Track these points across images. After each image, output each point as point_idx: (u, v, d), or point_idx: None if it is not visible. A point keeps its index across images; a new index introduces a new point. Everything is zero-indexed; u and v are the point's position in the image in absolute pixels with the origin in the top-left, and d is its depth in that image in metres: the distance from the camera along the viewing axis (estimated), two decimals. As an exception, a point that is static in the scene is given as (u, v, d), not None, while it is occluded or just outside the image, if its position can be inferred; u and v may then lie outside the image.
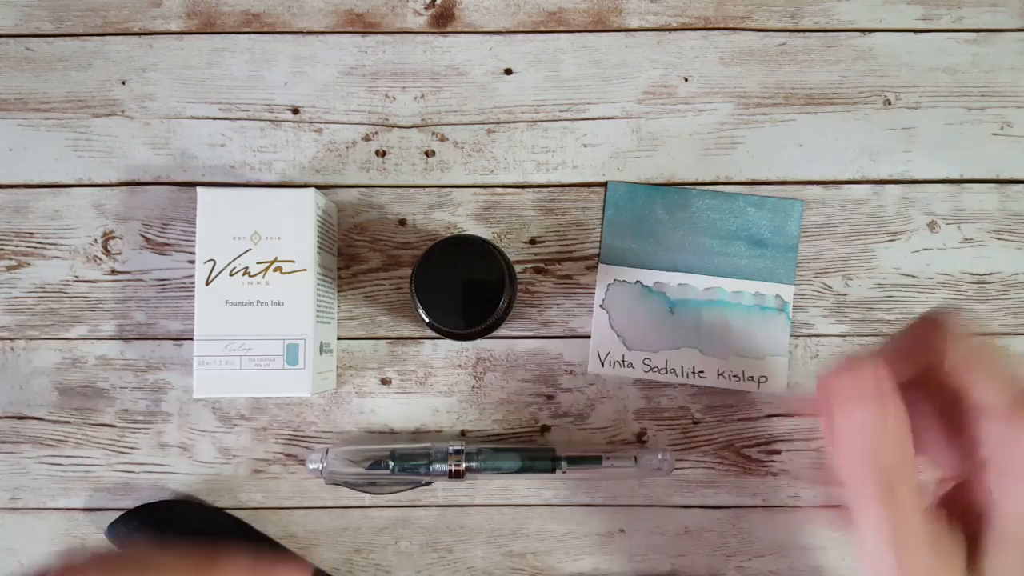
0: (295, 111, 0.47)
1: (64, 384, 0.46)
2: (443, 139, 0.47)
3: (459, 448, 0.44)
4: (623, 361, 0.46)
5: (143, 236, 0.47)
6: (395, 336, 0.47)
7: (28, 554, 0.45)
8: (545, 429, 0.46)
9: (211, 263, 0.40)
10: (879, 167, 0.47)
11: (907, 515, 0.25)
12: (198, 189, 0.41)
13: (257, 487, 0.46)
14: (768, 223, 0.47)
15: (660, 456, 0.44)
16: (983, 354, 0.27)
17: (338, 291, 0.47)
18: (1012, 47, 0.47)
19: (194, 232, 0.41)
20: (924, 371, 0.28)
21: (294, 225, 0.41)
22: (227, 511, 0.46)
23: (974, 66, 0.47)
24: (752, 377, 0.46)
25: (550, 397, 0.46)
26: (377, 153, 0.47)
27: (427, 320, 0.40)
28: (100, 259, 0.46)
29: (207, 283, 0.40)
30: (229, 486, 0.46)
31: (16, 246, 0.46)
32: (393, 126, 0.47)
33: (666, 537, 0.46)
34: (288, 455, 0.46)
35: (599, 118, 0.47)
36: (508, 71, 0.47)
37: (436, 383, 0.46)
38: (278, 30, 0.47)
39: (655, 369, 0.46)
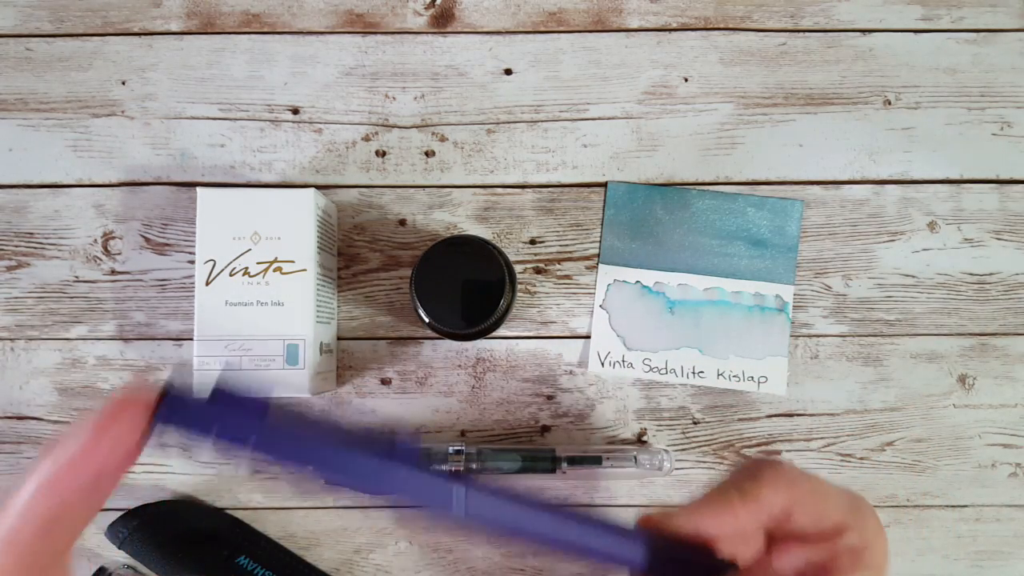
0: (295, 111, 0.47)
1: (64, 384, 0.46)
2: (443, 139, 0.47)
3: (459, 448, 0.44)
4: (623, 361, 0.46)
5: (143, 236, 0.47)
6: (395, 336, 0.47)
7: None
8: (545, 429, 0.46)
9: (211, 263, 0.40)
10: (879, 167, 0.47)
11: None
12: (198, 189, 0.41)
13: (257, 487, 0.46)
14: (768, 223, 0.47)
15: (660, 456, 0.44)
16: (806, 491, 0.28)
17: (338, 291, 0.47)
18: (1012, 47, 0.47)
19: (194, 232, 0.41)
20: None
21: (294, 225, 0.41)
22: (227, 511, 0.46)
23: (974, 66, 0.47)
24: (752, 377, 0.46)
25: (550, 397, 0.46)
26: (377, 153, 0.47)
27: (427, 320, 0.40)
28: (100, 259, 0.46)
29: (207, 283, 0.40)
30: (229, 486, 0.46)
31: (16, 246, 0.46)
32: (393, 126, 0.47)
33: (666, 537, 0.46)
34: (288, 455, 0.46)
35: (599, 118, 0.47)
36: (508, 71, 0.47)
37: (436, 383, 0.46)
38: (278, 30, 0.47)
39: (655, 369, 0.46)
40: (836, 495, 0.28)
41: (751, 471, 0.28)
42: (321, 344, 0.42)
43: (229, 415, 0.23)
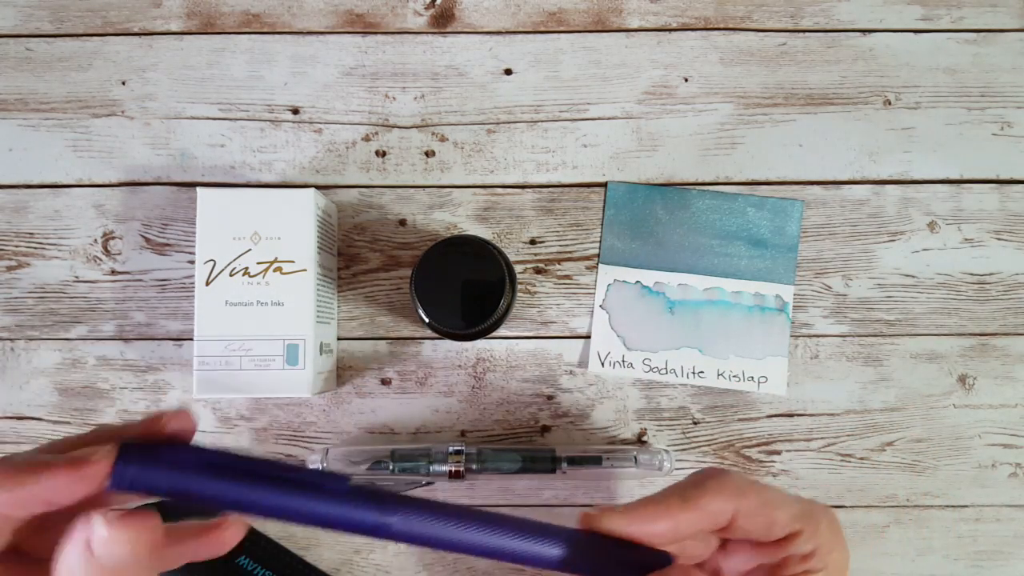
0: (295, 111, 0.47)
1: (64, 384, 0.46)
2: (443, 139, 0.47)
3: (459, 448, 0.44)
4: (623, 361, 0.46)
5: (143, 236, 0.47)
6: (395, 336, 0.47)
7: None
8: (545, 429, 0.46)
9: (211, 263, 0.40)
10: (879, 167, 0.47)
11: None
12: (198, 189, 0.41)
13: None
14: (768, 223, 0.47)
15: (660, 456, 0.44)
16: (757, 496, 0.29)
17: (338, 291, 0.47)
18: (1012, 47, 0.47)
19: (194, 232, 0.41)
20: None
21: (294, 225, 0.41)
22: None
23: (974, 66, 0.47)
24: (752, 377, 0.46)
25: (550, 397, 0.46)
26: (377, 153, 0.47)
27: (427, 320, 0.40)
28: (100, 259, 0.46)
29: (207, 283, 0.40)
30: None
31: (16, 246, 0.46)
32: (393, 126, 0.47)
33: (666, 537, 0.46)
34: (288, 455, 0.46)
35: (599, 118, 0.47)
36: (508, 71, 0.47)
37: (436, 383, 0.46)
38: (278, 30, 0.47)
39: (655, 369, 0.46)
40: (787, 504, 0.29)
41: (697, 479, 0.29)
42: (321, 344, 0.42)
43: (167, 471, 0.23)
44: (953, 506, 0.46)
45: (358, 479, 0.44)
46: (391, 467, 0.43)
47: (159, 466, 0.22)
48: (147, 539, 0.21)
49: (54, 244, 0.46)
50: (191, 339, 0.45)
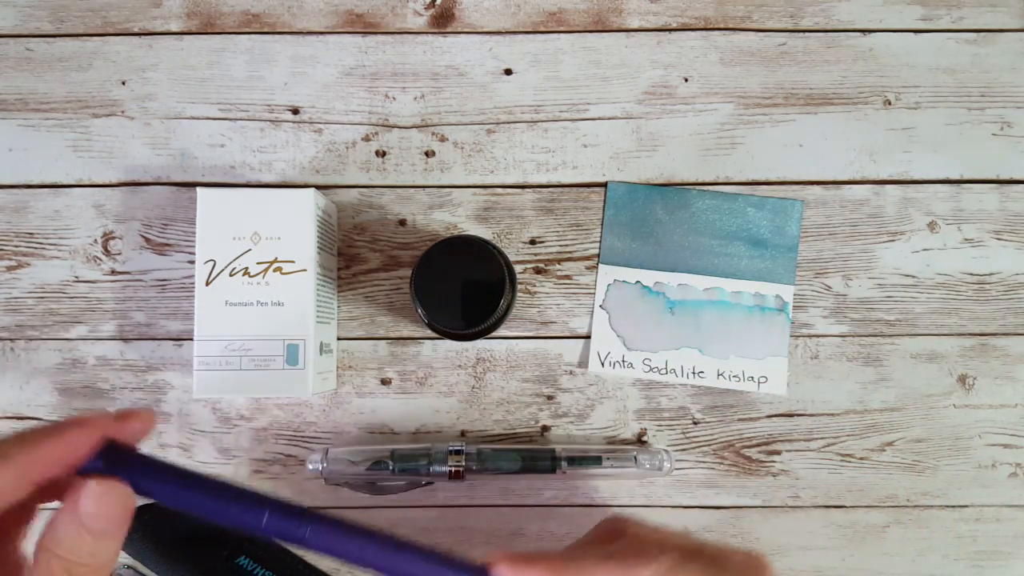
0: (295, 111, 0.47)
1: (64, 384, 0.46)
2: (443, 139, 0.47)
3: (459, 448, 0.44)
4: (623, 361, 0.46)
5: (143, 236, 0.47)
6: (395, 336, 0.47)
7: (29, 555, 0.45)
8: (545, 429, 0.46)
9: (211, 263, 0.40)
10: (879, 167, 0.47)
11: None
12: (198, 189, 0.41)
13: (257, 487, 0.46)
14: (768, 223, 0.47)
15: (660, 456, 0.44)
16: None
17: (338, 291, 0.47)
18: (1012, 47, 0.47)
19: (194, 232, 0.41)
20: None
21: (294, 225, 0.41)
22: (227, 511, 0.45)
23: (974, 66, 0.47)
24: (752, 377, 0.46)
25: (550, 397, 0.46)
26: (377, 153, 0.47)
27: (427, 320, 0.40)
28: (100, 259, 0.46)
29: (207, 283, 0.40)
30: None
31: (16, 246, 0.46)
32: (393, 126, 0.47)
33: (666, 537, 0.46)
34: (288, 455, 0.46)
35: (599, 118, 0.47)
36: (508, 71, 0.47)
37: (436, 383, 0.46)
38: (278, 30, 0.47)
39: (655, 369, 0.46)
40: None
41: (632, 544, 0.28)
42: (321, 344, 0.42)
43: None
44: (953, 506, 0.46)
45: (357, 479, 0.44)
46: (391, 467, 0.43)
47: (121, 466, 0.24)
48: (127, 504, 0.23)
49: (54, 244, 0.46)
50: (191, 339, 0.45)
